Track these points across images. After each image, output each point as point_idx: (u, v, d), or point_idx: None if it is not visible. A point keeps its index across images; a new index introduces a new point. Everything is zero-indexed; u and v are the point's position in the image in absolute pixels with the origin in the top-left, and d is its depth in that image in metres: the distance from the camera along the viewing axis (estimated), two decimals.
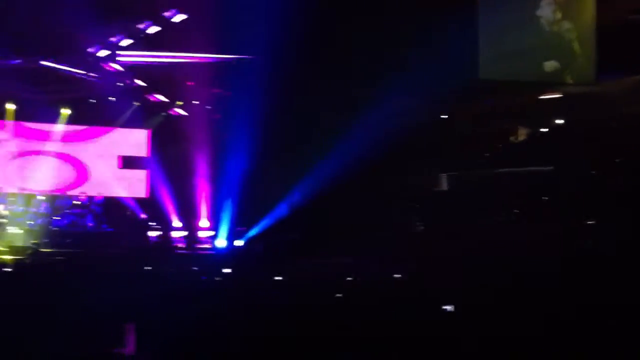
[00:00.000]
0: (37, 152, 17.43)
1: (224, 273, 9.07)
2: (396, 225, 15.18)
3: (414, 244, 14.03)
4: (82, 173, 17.74)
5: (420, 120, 14.67)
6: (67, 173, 17.62)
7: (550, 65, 14.49)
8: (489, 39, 14.15)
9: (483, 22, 14.04)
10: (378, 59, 13.57)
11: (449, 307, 5.35)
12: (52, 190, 16.92)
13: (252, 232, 16.31)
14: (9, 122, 17.09)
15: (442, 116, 16.24)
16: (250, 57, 15.24)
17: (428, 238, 14.72)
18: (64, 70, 15.98)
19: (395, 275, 7.76)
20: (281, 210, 16.21)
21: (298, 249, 13.12)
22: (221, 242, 16.40)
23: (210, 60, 15.80)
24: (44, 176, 17.39)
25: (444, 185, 16.40)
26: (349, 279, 7.32)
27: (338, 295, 5.97)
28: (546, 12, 14.43)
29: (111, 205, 16.86)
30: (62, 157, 17.64)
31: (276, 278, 7.81)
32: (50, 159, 17.51)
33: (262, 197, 16.06)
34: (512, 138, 16.67)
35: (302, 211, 15.62)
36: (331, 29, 13.55)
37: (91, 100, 17.25)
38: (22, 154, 17.31)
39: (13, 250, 13.71)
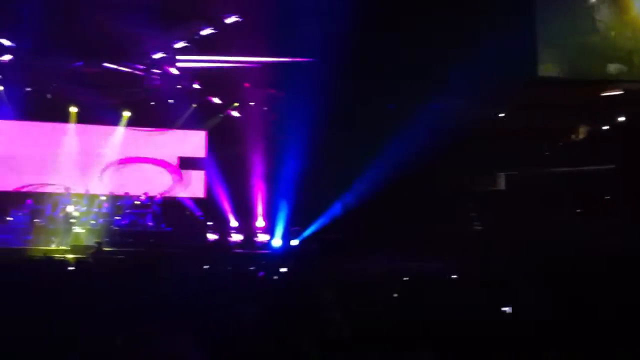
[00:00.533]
0: (99, 154, 17.94)
1: (280, 272, 9.12)
2: (454, 225, 15.01)
3: (472, 243, 13.85)
4: (142, 173, 18.18)
5: (478, 119, 14.46)
6: (128, 173, 18.08)
7: (614, 67, 14.04)
8: (548, 38, 13.83)
9: (541, 20, 13.73)
10: (435, 58, 13.43)
11: (507, 309, 5.26)
12: (114, 191, 17.38)
13: (307, 232, 16.37)
14: (72, 125, 17.65)
15: (500, 115, 15.96)
16: (305, 58, 15.31)
17: (486, 237, 14.49)
18: (126, 73, 16.39)
19: (453, 276, 7.66)
20: (336, 209, 16.23)
21: (353, 248, 13.10)
22: (277, 242, 16.52)
23: (266, 62, 15.93)
24: (106, 177, 17.90)
25: (502, 185, 16.15)
26: (405, 278, 7.25)
27: (395, 295, 5.93)
28: (604, 15, 14.03)
29: (170, 205, 17.18)
30: (124, 158, 18.11)
31: (331, 277, 7.81)
32: (112, 160, 18.01)
33: (317, 196, 16.11)
34: (573, 136, 16.28)
35: (357, 211, 15.59)
36: (388, 28, 13.48)
37: (151, 103, 17.64)
38: (85, 155, 17.83)
39: (76, 249, 14.08)
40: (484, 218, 15.50)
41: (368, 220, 15.02)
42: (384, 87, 14.54)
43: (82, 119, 17.58)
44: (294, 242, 16.40)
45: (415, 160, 14.10)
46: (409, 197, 14.84)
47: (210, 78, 16.91)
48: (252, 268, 9.34)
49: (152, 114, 17.79)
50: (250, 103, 17.77)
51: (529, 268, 7.77)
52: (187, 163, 18.43)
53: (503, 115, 15.99)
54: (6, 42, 14.92)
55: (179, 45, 15.49)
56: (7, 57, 15.34)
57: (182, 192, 18.18)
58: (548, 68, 13.86)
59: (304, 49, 14.64)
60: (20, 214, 15.66)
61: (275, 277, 8.31)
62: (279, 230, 16.69)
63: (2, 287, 6.25)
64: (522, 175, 15.94)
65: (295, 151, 15.97)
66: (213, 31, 15.05)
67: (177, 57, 15.92)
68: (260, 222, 17.54)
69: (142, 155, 18.25)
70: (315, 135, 15.26)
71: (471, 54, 12.29)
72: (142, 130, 18.20)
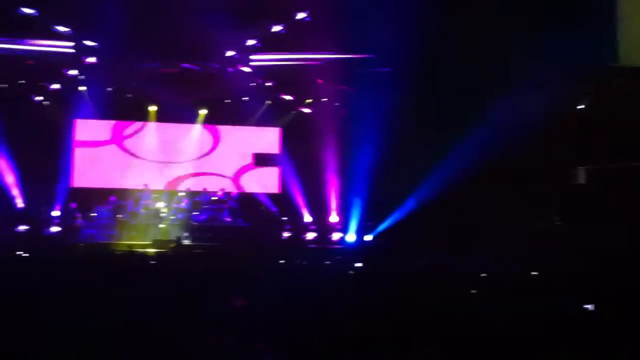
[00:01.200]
0: (178, 151, 18.46)
1: (354, 267, 9.15)
2: (531, 221, 14.62)
3: (550, 240, 13.46)
4: (219, 170, 18.60)
5: (556, 111, 14.00)
6: (206, 170, 18.53)
7: None
8: (629, 26, 13.25)
9: (623, 8, 13.17)
10: (513, 48, 13.11)
11: (589, 306, 5.11)
12: (192, 187, 17.84)
13: (381, 227, 16.32)
14: (152, 123, 18.23)
15: (579, 107, 15.42)
16: (376, 55, 15.28)
17: (566, 234, 14.04)
18: (202, 72, 16.79)
19: (533, 273, 7.48)
20: (410, 204, 16.10)
21: (427, 243, 12.98)
22: (351, 237, 16.55)
23: (339, 59, 15.97)
24: (183, 173, 18.41)
25: (583, 179, 15.60)
26: (483, 275, 7.13)
27: (473, 291, 5.84)
28: None
29: (246, 201, 17.49)
30: (201, 155, 18.56)
31: (405, 272, 7.77)
32: (191, 157, 18.50)
33: (391, 192, 16.03)
34: None
35: (431, 206, 15.41)
36: (459, 19, 13.26)
37: (226, 101, 18.01)
38: (164, 152, 18.40)
39: (158, 243, 14.54)
40: (564, 214, 15.01)
41: (442, 216, 14.83)
42: (459, 79, 14.29)
43: (160, 117, 18.15)
44: (368, 237, 16.39)
45: (492, 155, 13.82)
46: (485, 192, 14.55)
47: (283, 75, 17.11)
48: (327, 262, 9.40)
49: (228, 112, 18.17)
50: (323, 99, 17.87)
51: (609, 266, 7.51)
52: (261, 159, 18.71)
53: (583, 107, 15.44)
54: (89, 44, 15.57)
55: (252, 43, 15.75)
56: (90, 59, 15.99)
57: (257, 188, 18.48)
58: (629, 57, 13.29)
59: (375, 44, 14.61)
60: (104, 210, 16.30)
61: (349, 273, 8.35)
62: (353, 226, 16.72)
63: (88, 279, 6.55)
64: (603, 170, 15.34)
65: (369, 146, 15.94)
66: (285, 29, 15.23)
67: (251, 56, 16.20)
68: (334, 218, 17.61)
69: (219, 152, 18.65)
70: (388, 130, 15.19)
71: (550, 44, 11.95)
72: (217, 127, 18.61)
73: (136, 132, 18.36)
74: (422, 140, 15.42)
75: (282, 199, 18.09)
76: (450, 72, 14.21)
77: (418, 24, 12.51)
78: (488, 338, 4.17)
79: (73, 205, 16.37)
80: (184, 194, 17.27)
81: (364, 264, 9.13)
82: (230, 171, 18.60)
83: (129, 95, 17.59)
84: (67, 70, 16.56)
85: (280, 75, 17.11)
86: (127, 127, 18.38)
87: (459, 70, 14.04)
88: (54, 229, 16.00)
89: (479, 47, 13.64)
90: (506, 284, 6.46)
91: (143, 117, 18.12)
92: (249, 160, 18.72)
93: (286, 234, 16.77)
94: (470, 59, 13.85)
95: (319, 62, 16.18)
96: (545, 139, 14.17)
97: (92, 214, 16.27)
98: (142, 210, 16.37)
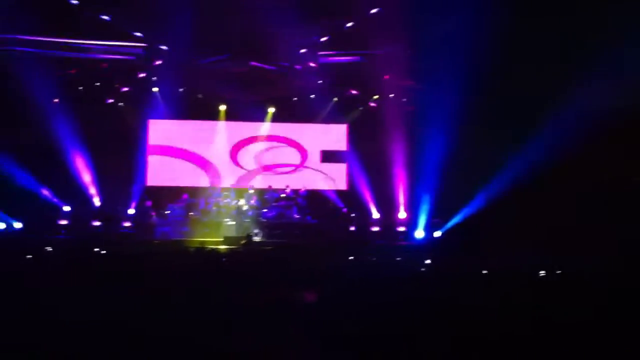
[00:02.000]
0: (248, 149, 18.76)
1: (423, 264, 9.10)
2: (597, 221, 14.07)
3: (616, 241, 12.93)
4: (288, 167, 18.80)
5: (631, 107, 13.45)
6: (275, 168, 18.76)
7: None
8: None
9: None
10: (588, 39, 12.71)
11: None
12: (261, 185, 18.10)
13: (450, 224, 16.14)
14: (222, 122, 18.59)
15: None
16: (443, 49, 15.08)
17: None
18: (270, 70, 17.00)
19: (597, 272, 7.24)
20: (479, 201, 15.85)
21: (495, 241, 12.73)
22: (419, 233, 16.42)
23: (406, 54, 15.85)
24: (252, 171, 18.69)
25: None
26: (541, 273, 6.96)
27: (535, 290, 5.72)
28: None
29: (314, 198, 17.60)
30: (269, 153, 18.80)
31: (473, 271, 7.67)
32: (260, 156, 18.78)
33: (460, 188, 15.81)
34: None
35: (501, 203, 15.11)
36: (533, 11, 12.95)
37: (294, 98, 18.17)
38: (234, 151, 18.74)
39: (229, 240, 14.81)
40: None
41: (511, 214, 14.50)
42: (531, 71, 13.93)
43: (230, 116, 18.49)
44: (437, 234, 16.23)
45: (564, 151, 13.43)
46: (556, 190, 14.15)
47: (351, 72, 17.12)
48: (398, 259, 9.38)
49: (295, 109, 18.33)
50: (390, 95, 17.77)
51: None
52: (329, 156, 18.79)
53: None
54: (161, 46, 16.01)
55: (320, 40, 15.82)
56: (161, 61, 16.43)
57: (325, 185, 18.57)
58: None
59: (442, 38, 14.42)
60: (177, 207, 16.71)
61: (417, 270, 8.30)
62: (421, 222, 16.58)
63: (163, 274, 6.76)
64: None
65: (437, 142, 15.78)
66: (353, 25, 15.22)
67: (318, 53, 16.27)
68: (402, 214, 17.51)
69: (287, 149, 18.84)
70: (456, 125, 15.00)
71: (626, 36, 11.53)
72: (286, 125, 18.81)
73: (207, 131, 18.75)
74: (492, 136, 15.15)
75: (349, 196, 18.12)
76: (521, 64, 13.90)
77: (486, 18, 12.29)
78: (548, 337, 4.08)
79: (147, 203, 16.89)
80: (253, 191, 17.51)
81: (433, 261, 9.06)
82: (298, 168, 18.76)
83: (200, 96, 18.02)
84: (140, 72, 17.08)
85: (348, 71, 17.13)
86: (198, 126, 18.79)
87: (531, 63, 13.70)
88: (130, 226, 16.54)
89: (550, 41, 13.28)
90: (568, 284, 6.26)
91: (213, 116, 18.50)
92: (317, 157, 18.82)
93: (354, 231, 16.78)
94: (542, 51, 13.50)
95: (386, 58, 16.09)
96: (617, 136, 13.66)
97: (165, 212, 16.72)
98: (213, 208, 16.69)
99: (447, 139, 15.33)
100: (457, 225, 15.99)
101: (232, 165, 18.66)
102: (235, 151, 18.72)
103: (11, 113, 15.46)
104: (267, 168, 18.68)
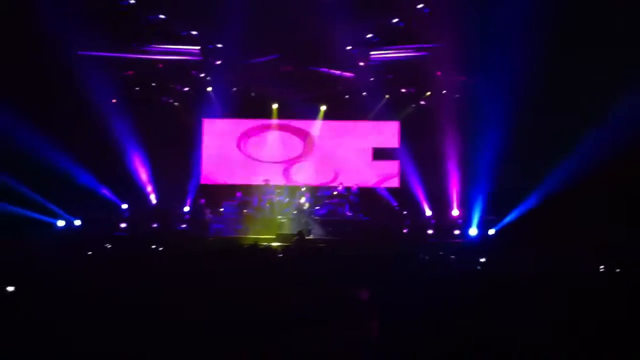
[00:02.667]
0: (300, 147, 18.89)
1: (476, 262, 8.99)
2: None
3: None
4: (339, 165, 18.84)
5: None
6: (326, 165, 18.84)
7: None
8: None
9: None
10: None
11: None
12: (313, 182, 18.19)
13: (505, 221, 15.87)
14: (274, 120, 18.77)
15: None
16: (496, 43, 14.83)
17: None
18: (322, 69, 17.07)
19: None
20: (534, 199, 15.54)
21: (551, 240, 12.45)
22: (473, 231, 16.22)
23: (457, 49, 15.66)
24: (305, 168, 18.82)
25: None
26: (618, 270, 6.79)
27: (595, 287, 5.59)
28: None
29: (366, 195, 17.57)
30: (321, 150, 18.89)
31: (525, 269, 7.55)
32: (312, 153, 18.89)
33: (514, 185, 15.54)
34: None
35: (557, 201, 14.75)
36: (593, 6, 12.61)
37: (346, 96, 18.19)
38: (287, 148, 18.90)
39: (282, 237, 14.93)
40: None
41: (568, 212, 14.14)
42: (589, 62, 13.52)
43: (283, 114, 18.64)
44: (491, 232, 16.00)
45: (625, 147, 13.03)
46: (616, 187, 13.74)
47: (402, 69, 17.03)
48: (452, 257, 9.29)
49: (347, 107, 18.36)
50: (442, 91, 17.61)
51: None
52: (381, 153, 18.75)
53: None
54: (215, 46, 16.25)
55: (371, 38, 15.79)
56: (216, 60, 16.68)
57: (377, 182, 18.56)
58: None
59: (496, 32, 14.19)
60: (231, 205, 16.94)
61: (470, 268, 8.22)
62: (475, 219, 16.38)
63: (217, 271, 6.87)
64: None
65: (491, 138, 15.53)
66: (403, 21, 15.13)
67: (370, 51, 16.24)
68: (455, 211, 17.34)
69: (339, 147, 18.89)
70: (510, 121, 14.74)
71: None
72: (337, 123, 18.85)
73: (260, 129, 18.94)
74: (547, 132, 14.83)
75: (402, 193, 18.05)
76: (576, 55, 13.54)
77: (539, 8, 12.03)
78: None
79: (202, 201, 17.19)
80: (305, 189, 17.62)
81: (488, 260, 8.95)
82: (350, 166, 18.79)
83: (253, 94, 18.24)
84: (194, 72, 17.38)
85: (399, 68, 17.04)
86: (251, 124, 19.01)
87: (588, 56, 13.34)
88: (185, 224, 16.87)
89: (611, 26, 12.88)
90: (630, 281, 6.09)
91: (266, 114, 18.68)
92: (368, 154, 18.82)
93: (406, 228, 16.70)
94: (599, 45, 13.13)
95: (438, 54, 15.95)
96: None
97: (219, 209, 16.97)
98: (267, 205, 16.86)
99: (501, 135, 15.07)
100: (512, 223, 15.70)
101: (286, 162, 18.84)
102: (289, 149, 18.89)
103: (72, 114, 15.93)
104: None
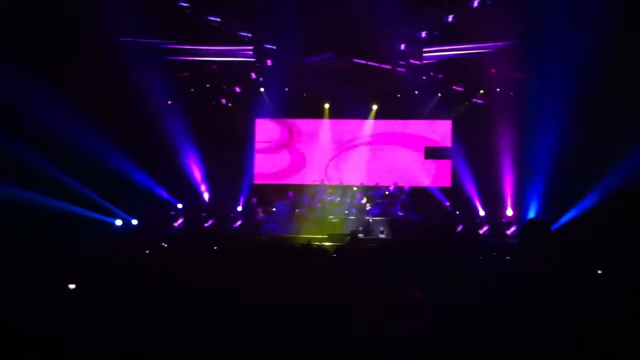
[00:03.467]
0: (351, 147, 18.90)
1: (533, 263, 8.82)
2: None
3: None
4: (391, 164, 18.78)
5: None
6: (378, 165, 18.80)
7: None
8: None
9: None
10: None
11: None
12: (364, 182, 18.19)
13: (561, 221, 15.53)
14: (326, 120, 18.83)
15: None
16: (553, 38, 14.52)
17: None
18: (373, 67, 17.05)
19: None
20: (592, 198, 15.15)
21: (610, 241, 12.10)
22: None
23: (513, 46, 15.41)
24: (357, 168, 18.81)
25: None
26: None
27: None
28: None
29: (418, 195, 17.46)
30: (373, 150, 18.86)
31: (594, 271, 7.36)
32: (363, 152, 18.87)
33: (571, 184, 15.18)
34: None
35: (616, 200, 14.34)
36: None
37: (398, 95, 18.12)
38: (338, 148, 18.94)
39: (334, 237, 14.96)
40: None
41: (630, 211, 13.72)
42: None
43: (334, 113, 18.70)
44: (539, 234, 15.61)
45: None
46: None
47: (455, 66, 16.86)
48: (507, 258, 9.15)
49: (399, 106, 18.27)
50: (496, 89, 17.35)
51: None
52: (433, 153, 18.62)
53: None
54: (268, 46, 16.43)
55: (427, 36, 15.70)
56: (268, 61, 16.86)
57: (429, 182, 18.42)
58: None
59: (553, 27, 13.88)
60: (283, 204, 17.08)
61: (526, 268, 8.05)
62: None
63: (269, 271, 6.94)
64: None
65: (547, 137, 15.21)
66: (457, 18, 14.98)
67: (422, 48, 16.14)
68: (509, 211, 17.08)
69: (390, 146, 18.82)
70: (568, 119, 14.43)
71: None
72: (389, 122, 18.79)
73: (312, 129, 19.04)
74: (605, 129, 14.43)
75: (454, 192, 17.87)
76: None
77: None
78: None
79: (254, 200, 17.38)
80: (357, 188, 17.62)
81: (545, 260, 8.76)
82: (402, 165, 18.70)
83: (305, 94, 18.35)
84: (248, 73, 17.59)
85: (452, 66, 16.88)
86: (303, 124, 19.12)
87: None
88: (238, 223, 17.10)
89: None
90: None
91: (318, 114, 18.76)
92: (420, 153, 18.70)
93: (460, 228, 16.54)
94: None
95: (492, 51, 15.74)
96: None
97: (272, 209, 17.13)
98: (318, 205, 16.93)
99: (558, 133, 14.75)
100: (568, 223, 15.35)
101: (336, 162, 18.88)
102: (340, 149, 18.93)
103: (130, 115, 16.33)
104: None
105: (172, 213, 17.30)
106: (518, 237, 14.05)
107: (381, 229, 15.88)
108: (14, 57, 12.70)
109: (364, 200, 17.02)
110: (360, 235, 15.38)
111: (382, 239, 15.52)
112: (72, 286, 5.94)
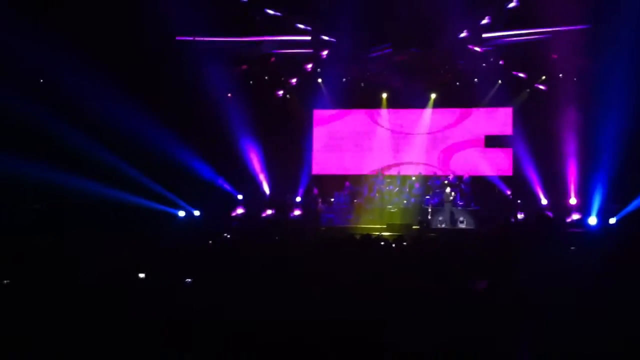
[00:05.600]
0: (409, 136, 18.80)
1: (597, 254, 8.63)
2: None
3: None
4: (450, 154, 18.60)
5: None
6: (437, 154, 18.64)
7: None
8: None
9: None
10: None
11: None
12: (424, 171, 18.08)
13: (628, 209, 15.09)
14: (384, 110, 18.77)
15: None
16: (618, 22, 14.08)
17: None
18: (432, 56, 16.89)
19: None
20: None
21: None
22: (592, 220, 15.55)
23: (576, 31, 15.02)
24: (416, 158, 18.70)
25: None
26: None
27: None
28: None
29: (478, 184, 17.23)
30: (431, 139, 18.70)
31: None
32: (421, 142, 18.74)
33: (636, 173, 14.75)
34: None
35: None
36: None
37: (457, 83, 17.91)
38: (396, 138, 18.86)
39: (392, 227, 14.96)
40: None
41: None
42: None
43: (392, 103, 18.61)
44: (612, 221, 15.26)
45: None
46: None
47: (516, 53, 16.54)
48: (572, 248, 8.98)
49: (458, 94, 18.05)
50: (559, 75, 16.93)
51: None
52: (493, 141, 18.31)
53: None
54: (325, 38, 16.49)
55: (484, 22, 15.46)
56: (326, 52, 16.92)
57: (489, 171, 18.15)
58: None
59: (616, 13, 13.48)
60: (342, 195, 17.15)
61: (590, 260, 7.89)
62: (595, 208, 15.68)
63: (331, 259, 7.03)
64: None
65: (611, 123, 14.77)
66: (519, 3, 14.70)
67: (483, 35, 15.90)
68: (572, 200, 16.69)
69: (449, 135, 18.64)
70: (633, 104, 14.00)
71: None
72: (448, 110, 18.59)
73: (370, 119, 19.02)
74: None
75: (515, 181, 17.56)
76: None
77: None
78: None
79: (315, 191, 17.50)
80: (415, 178, 17.53)
81: (605, 251, 8.55)
82: (462, 154, 18.49)
83: (362, 84, 18.33)
84: (306, 65, 17.69)
85: (513, 53, 16.57)
86: (361, 114, 19.11)
87: None
88: (298, 213, 17.26)
89: None
90: None
91: (376, 104, 18.72)
92: (481, 142, 18.44)
93: (521, 217, 16.26)
94: None
95: (555, 36, 15.37)
96: None
97: (331, 199, 17.22)
98: (377, 195, 16.92)
99: (624, 119, 14.32)
100: (636, 211, 14.90)
101: (395, 152, 18.82)
102: (399, 139, 18.85)
103: (192, 108, 16.69)
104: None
105: (234, 205, 17.55)
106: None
107: (461, 218, 15.73)
108: (84, 57, 13.19)
109: (422, 190, 16.89)
110: (420, 225, 15.34)
111: (442, 228, 15.43)
112: (141, 275, 6.20)
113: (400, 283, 5.51)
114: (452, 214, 15.82)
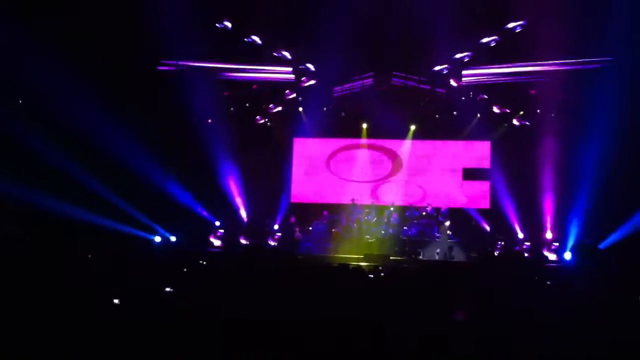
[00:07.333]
0: (387, 167, 18.85)
1: (571, 288, 8.65)
2: None
3: None
4: (428, 185, 18.66)
5: None
6: (414, 186, 18.69)
7: None
8: None
9: None
10: None
11: None
12: (401, 202, 18.09)
13: (603, 245, 15.19)
14: (364, 140, 18.84)
15: None
16: (602, 59, 14.36)
17: None
18: (412, 88, 17.05)
19: None
20: (635, 222, 14.81)
21: None
22: (568, 255, 15.64)
23: (554, 68, 15.26)
24: (393, 188, 18.73)
25: None
26: None
27: None
28: None
29: (456, 216, 17.27)
30: (410, 171, 18.76)
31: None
32: (400, 173, 18.79)
33: (614, 207, 14.89)
34: None
35: None
36: None
37: (436, 116, 18.06)
38: (375, 168, 18.90)
39: (369, 257, 14.89)
40: None
41: None
42: None
43: (372, 134, 18.69)
44: (588, 257, 15.31)
45: None
46: None
47: (495, 88, 16.75)
48: (547, 282, 8.99)
49: (437, 126, 18.21)
50: (537, 111, 17.17)
51: None
52: (471, 174, 18.44)
53: None
54: (308, 67, 16.57)
55: (466, 58, 15.64)
56: (308, 82, 16.99)
57: (467, 203, 18.23)
58: None
59: (600, 49, 13.73)
60: (320, 224, 17.08)
61: (566, 294, 7.90)
62: (570, 243, 15.79)
63: (306, 290, 6.94)
64: None
65: (588, 158, 14.97)
66: (499, 39, 14.90)
67: (463, 70, 16.08)
68: (548, 234, 16.79)
69: (427, 167, 18.71)
70: (609, 142, 14.20)
71: None
72: (427, 142, 18.69)
73: (349, 148, 19.05)
74: None
75: (493, 214, 17.65)
76: None
77: None
78: None
79: (292, 219, 17.42)
80: (393, 209, 17.54)
81: (581, 286, 8.58)
82: (439, 186, 18.57)
83: (343, 114, 18.41)
84: (287, 93, 17.73)
85: (492, 87, 16.78)
86: (340, 144, 19.15)
87: None
88: (275, 241, 17.15)
89: None
90: None
91: (355, 134, 18.79)
92: (458, 175, 18.54)
93: (498, 250, 16.30)
94: None
95: (534, 71, 15.60)
96: None
97: (309, 228, 17.14)
98: (354, 225, 16.88)
99: (601, 155, 14.50)
100: (610, 246, 15.02)
101: (373, 182, 18.85)
102: (377, 169, 18.90)
103: (170, 133, 16.59)
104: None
105: (210, 231, 17.39)
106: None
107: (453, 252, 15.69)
108: (68, 76, 13.09)
109: (399, 221, 16.89)
110: (396, 256, 15.28)
111: (418, 259, 15.39)
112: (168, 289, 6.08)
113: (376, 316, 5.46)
114: (450, 248, 15.79)
